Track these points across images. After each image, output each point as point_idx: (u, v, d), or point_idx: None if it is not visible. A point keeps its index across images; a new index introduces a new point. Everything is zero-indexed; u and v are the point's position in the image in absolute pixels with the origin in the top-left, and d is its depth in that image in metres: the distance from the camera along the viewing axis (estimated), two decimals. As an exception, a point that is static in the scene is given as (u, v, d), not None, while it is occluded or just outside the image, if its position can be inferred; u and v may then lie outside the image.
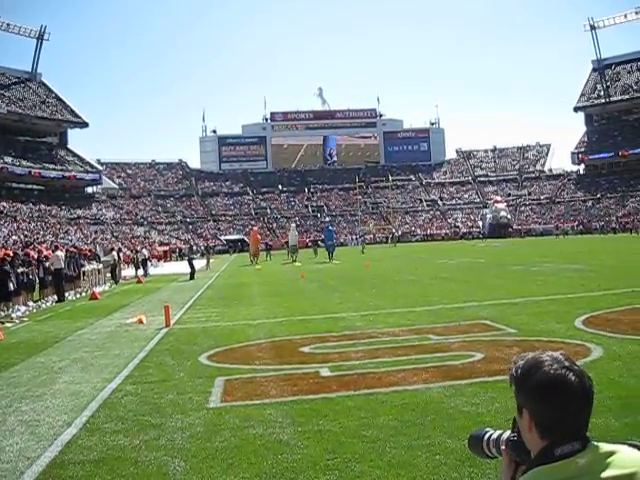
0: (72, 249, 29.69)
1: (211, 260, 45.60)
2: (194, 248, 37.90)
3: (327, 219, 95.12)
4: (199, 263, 38.11)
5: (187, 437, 6.09)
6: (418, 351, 9.69)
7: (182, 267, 38.63)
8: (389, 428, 5.98)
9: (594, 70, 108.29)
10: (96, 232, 79.05)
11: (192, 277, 31.75)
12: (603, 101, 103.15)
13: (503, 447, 1.82)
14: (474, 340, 10.29)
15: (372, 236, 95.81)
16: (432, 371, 8.27)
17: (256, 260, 46.39)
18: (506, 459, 1.78)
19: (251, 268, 40.45)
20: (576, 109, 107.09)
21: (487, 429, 1.97)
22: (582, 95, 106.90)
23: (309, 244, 70.23)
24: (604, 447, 1.62)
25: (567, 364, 1.64)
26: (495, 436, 1.92)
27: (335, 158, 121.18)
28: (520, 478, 1.64)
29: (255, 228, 60.70)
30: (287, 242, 56.61)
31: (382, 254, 52.12)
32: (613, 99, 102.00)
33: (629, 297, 14.41)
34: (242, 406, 7.12)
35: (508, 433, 1.86)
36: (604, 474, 1.56)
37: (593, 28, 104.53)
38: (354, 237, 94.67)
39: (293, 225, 61.89)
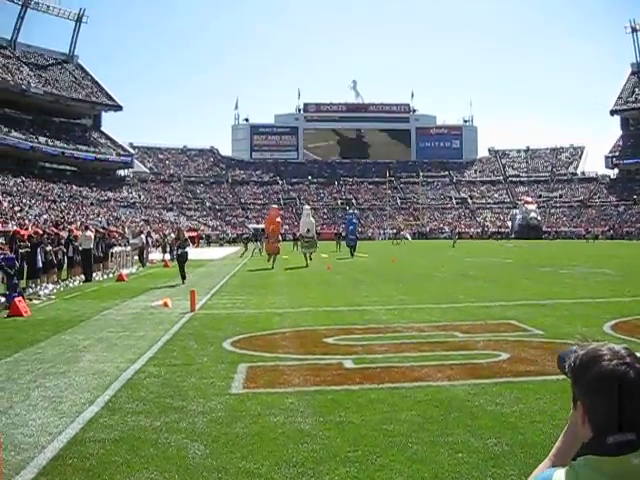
0: (101, 230, 29.90)
1: (252, 248, 41.38)
2: (182, 236, 22.84)
3: (352, 211, 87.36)
4: (229, 250, 37.16)
5: (208, 421, 6.07)
6: (443, 348, 9.59)
7: (210, 253, 38.27)
8: (411, 423, 5.91)
9: (633, 73, 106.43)
10: (125, 215, 79.71)
11: (183, 280, 21.87)
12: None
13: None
14: (500, 340, 10.17)
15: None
16: (457, 368, 8.17)
17: (274, 259, 31.26)
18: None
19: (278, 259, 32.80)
20: (612, 112, 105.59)
21: (576, 349, 1.71)
22: (619, 98, 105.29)
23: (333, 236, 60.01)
24: None
25: (628, 360, 1.52)
26: None
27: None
28: (570, 464, 1.54)
29: (274, 206, 43.32)
30: (301, 234, 36.30)
31: (414, 249, 51.88)
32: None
33: (660, 304, 14.18)
34: (264, 393, 7.10)
35: None
36: None
37: (634, 30, 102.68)
38: (382, 231, 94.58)
39: (307, 207, 41.08)
